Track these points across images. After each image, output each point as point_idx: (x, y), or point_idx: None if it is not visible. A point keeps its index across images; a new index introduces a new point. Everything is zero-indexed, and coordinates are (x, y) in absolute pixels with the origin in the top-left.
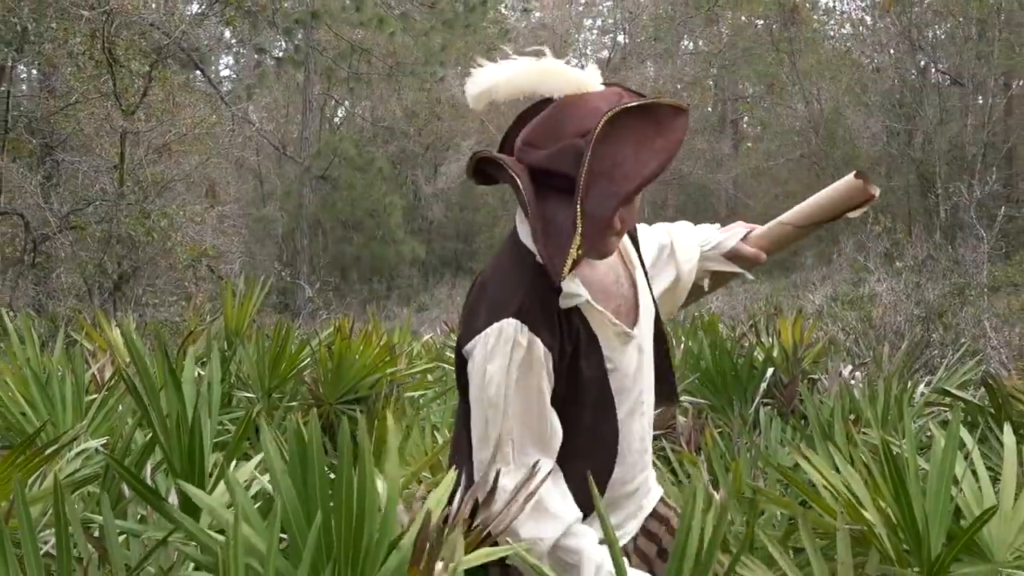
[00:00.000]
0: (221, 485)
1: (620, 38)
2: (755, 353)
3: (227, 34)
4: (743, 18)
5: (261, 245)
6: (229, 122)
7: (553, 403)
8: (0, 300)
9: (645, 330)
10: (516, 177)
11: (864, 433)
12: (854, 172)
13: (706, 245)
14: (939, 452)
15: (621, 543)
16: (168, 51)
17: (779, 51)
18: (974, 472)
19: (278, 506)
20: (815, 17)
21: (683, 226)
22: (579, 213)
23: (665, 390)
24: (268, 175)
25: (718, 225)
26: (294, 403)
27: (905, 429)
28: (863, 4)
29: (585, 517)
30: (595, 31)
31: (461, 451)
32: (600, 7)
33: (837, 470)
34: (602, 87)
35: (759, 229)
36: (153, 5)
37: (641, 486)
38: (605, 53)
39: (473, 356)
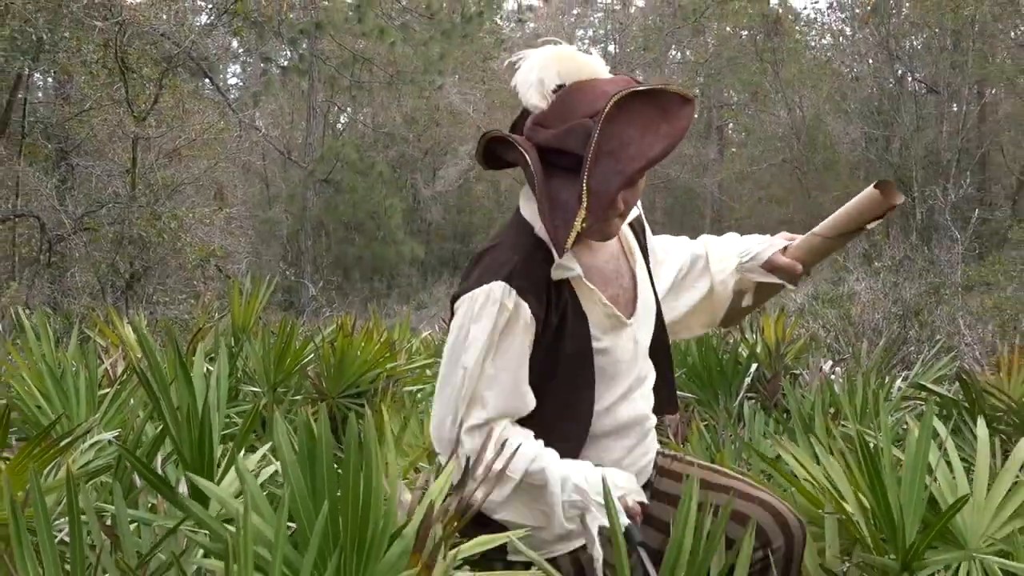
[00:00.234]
0: (229, 475)
1: (611, 48)
2: (739, 349)
3: (235, 44)
4: (728, 29)
5: (267, 246)
6: (236, 128)
7: (530, 374)
8: (17, 298)
9: (643, 322)
10: (525, 153)
11: (843, 426)
12: (875, 183)
13: (744, 256)
14: (914, 444)
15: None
16: (178, 60)
17: (763, 61)
18: (948, 463)
19: (286, 495)
20: (797, 28)
21: (726, 238)
22: (584, 189)
23: (664, 398)
24: (274, 179)
25: (766, 237)
26: (298, 397)
27: (882, 422)
28: (843, 16)
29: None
30: (587, 41)
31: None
32: (591, 19)
33: (817, 461)
34: (610, 75)
35: (797, 240)
36: (164, 16)
37: (638, 470)
38: None
39: (458, 313)
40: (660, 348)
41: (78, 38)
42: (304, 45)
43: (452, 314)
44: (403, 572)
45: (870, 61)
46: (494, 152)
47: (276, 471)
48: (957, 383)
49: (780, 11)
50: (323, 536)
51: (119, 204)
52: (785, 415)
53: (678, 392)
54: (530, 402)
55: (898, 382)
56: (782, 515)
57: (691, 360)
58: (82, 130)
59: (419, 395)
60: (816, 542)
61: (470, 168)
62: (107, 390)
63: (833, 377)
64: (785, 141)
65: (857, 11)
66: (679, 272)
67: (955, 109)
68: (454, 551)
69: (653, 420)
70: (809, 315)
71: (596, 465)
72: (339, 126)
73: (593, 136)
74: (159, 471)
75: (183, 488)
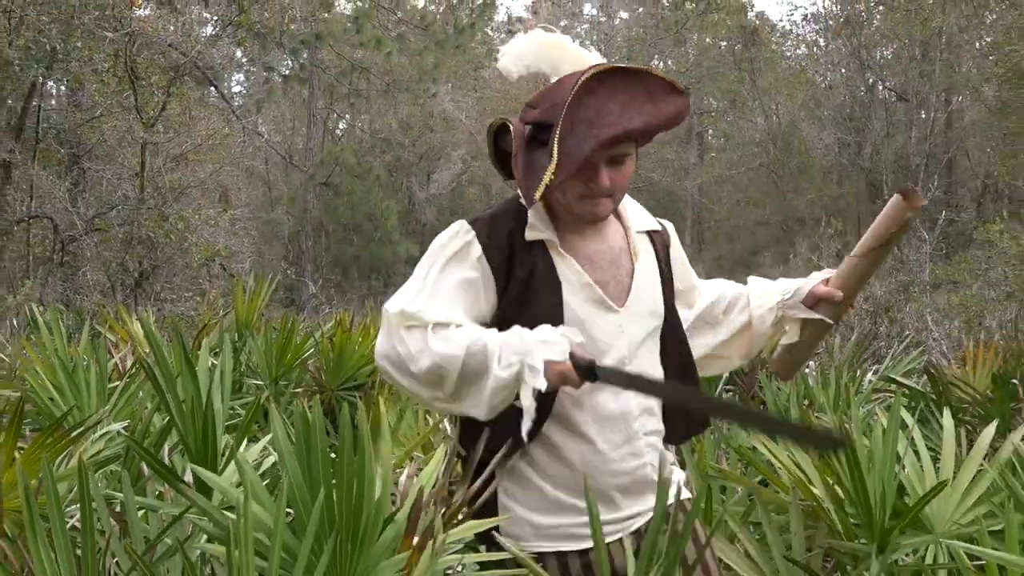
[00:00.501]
0: (232, 463)
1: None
2: None
3: (239, 54)
4: (708, 40)
5: (269, 246)
6: (240, 134)
7: (503, 325)
8: (31, 296)
9: (635, 317)
10: (512, 127)
11: (817, 417)
12: (897, 188)
13: (786, 294)
14: (884, 434)
15: (608, 538)
16: (185, 69)
17: (741, 70)
18: (916, 452)
19: (284, 484)
20: (773, 39)
21: (778, 282)
22: (556, 147)
23: (679, 423)
24: (276, 182)
25: (814, 273)
26: (299, 389)
27: (854, 414)
28: (817, 27)
29: (516, 449)
30: None
31: (468, 434)
32: (578, 30)
33: (791, 451)
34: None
35: (836, 270)
36: (171, 27)
37: (631, 478)
38: None
39: None
40: (680, 363)
41: (90, 48)
42: (305, 55)
43: None
44: (395, 555)
45: (843, 70)
46: (503, 149)
47: (276, 461)
48: (925, 376)
49: (757, 23)
50: (319, 522)
51: (128, 206)
52: (762, 406)
53: None
54: (459, 323)
55: (869, 375)
56: None
57: None
58: (93, 135)
59: None
60: (782, 532)
61: (463, 172)
62: (117, 383)
63: (807, 371)
64: (762, 146)
65: (830, 23)
66: (715, 305)
67: (923, 116)
68: (443, 535)
69: (651, 425)
70: None
71: (579, 459)
72: (338, 132)
73: (566, 101)
74: (166, 461)
75: (189, 477)
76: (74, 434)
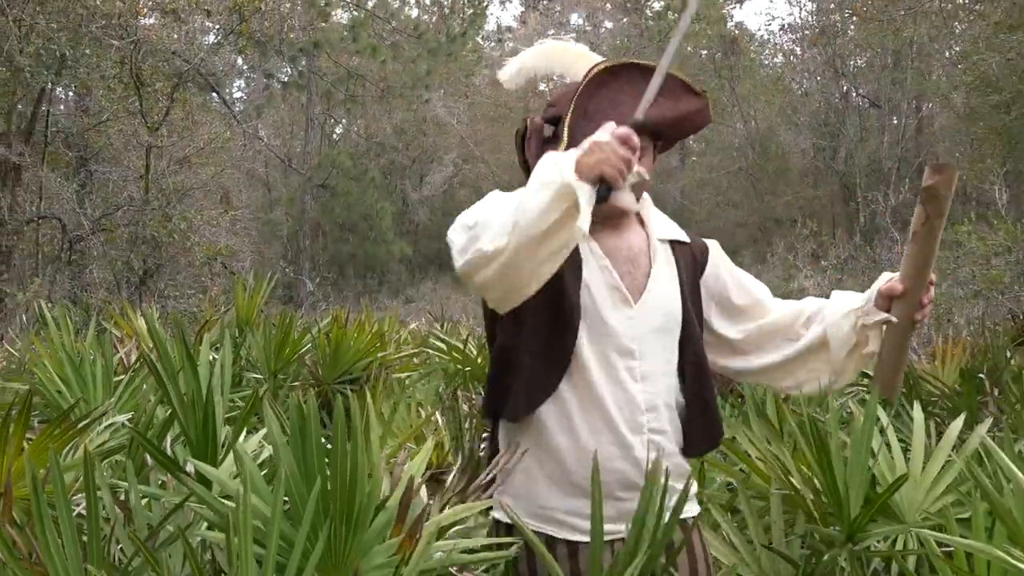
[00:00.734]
0: (231, 454)
1: None
2: None
3: (240, 61)
4: (689, 48)
5: (268, 245)
6: (241, 138)
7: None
8: (40, 293)
9: (646, 313)
10: (529, 123)
11: (793, 410)
12: (928, 166)
13: (864, 302)
14: (858, 427)
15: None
16: (188, 75)
17: (720, 77)
18: (888, 444)
19: (281, 474)
20: (752, 48)
21: (851, 295)
22: (564, 132)
23: (699, 437)
24: (275, 184)
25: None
26: (296, 383)
27: (829, 407)
28: (794, 37)
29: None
30: None
31: (491, 402)
32: (564, 38)
33: (769, 442)
34: None
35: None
36: (175, 36)
37: (631, 474)
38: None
39: None
40: (695, 372)
41: (97, 55)
42: (303, 62)
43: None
44: (387, 541)
45: (818, 78)
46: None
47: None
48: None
49: (736, 33)
50: (314, 510)
51: (133, 207)
52: (740, 400)
53: None
54: None
55: None
56: None
57: None
58: (100, 139)
59: (407, 381)
60: (762, 518)
61: (454, 174)
62: (121, 377)
63: None
64: (741, 151)
65: (806, 33)
66: (796, 319)
67: (895, 122)
68: (435, 520)
69: (656, 424)
70: None
71: (567, 444)
72: (335, 136)
73: (577, 91)
74: (168, 451)
75: (190, 467)
76: (80, 425)
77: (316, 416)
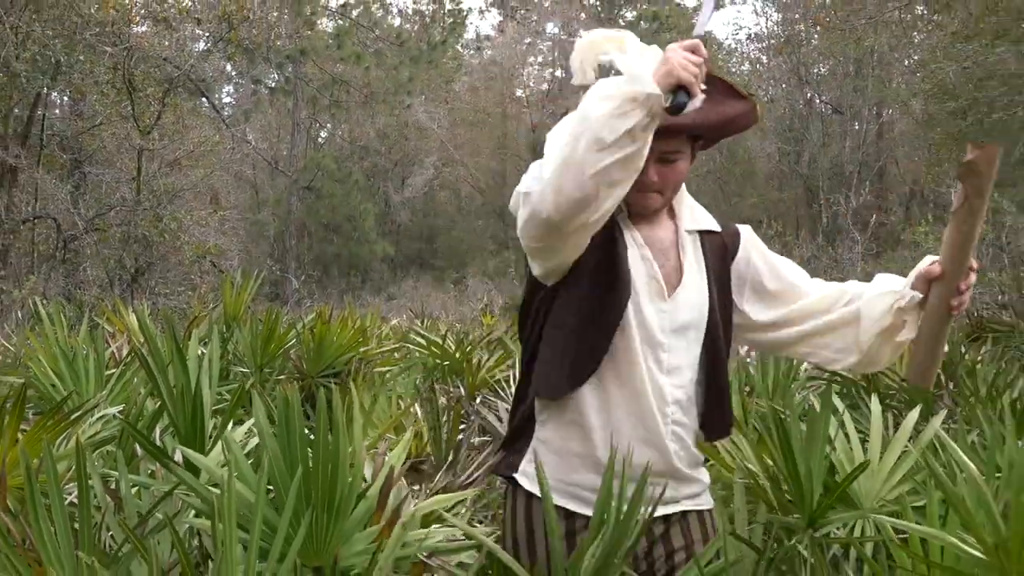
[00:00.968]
0: (219, 445)
1: (558, 73)
2: None
3: (228, 67)
4: None
5: (256, 244)
6: (230, 141)
7: (570, 274)
8: (35, 290)
9: (677, 308)
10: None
11: (757, 402)
12: (969, 143)
13: (899, 284)
14: (817, 418)
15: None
16: (179, 81)
17: None
18: (846, 435)
19: (265, 462)
20: (719, 56)
21: (889, 279)
22: None
23: (717, 425)
24: (262, 186)
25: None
26: (282, 377)
27: (790, 399)
28: (760, 46)
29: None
30: (536, 66)
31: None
32: (540, 47)
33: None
34: None
35: None
36: (166, 43)
37: (655, 463)
38: (545, 85)
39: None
40: (713, 361)
41: (91, 61)
42: (289, 69)
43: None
44: (367, 529)
45: (783, 85)
46: None
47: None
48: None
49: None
50: (297, 497)
51: (126, 207)
52: None
53: None
54: None
55: (805, 364)
56: None
57: None
58: (93, 142)
59: (388, 375)
60: (726, 507)
61: (435, 177)
62: (113, 370)
63: (749, 360)
64: (708, 154)
65: (772, 42)
66: (838, 300)
67: (856, 127)
68: (413, 509)
69: (678, 416)
70: None
71: (600, 423)
72: (320, 140)
73: None
74: (157, 442)
75: (179, 457)
76: (73, 417)
77: (299, 408)
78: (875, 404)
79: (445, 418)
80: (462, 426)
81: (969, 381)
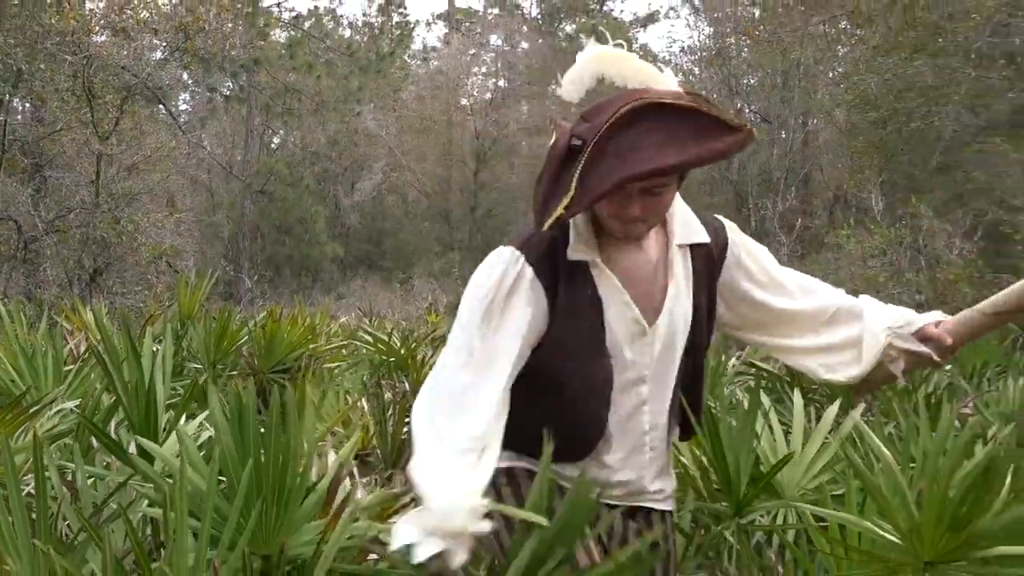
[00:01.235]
0: (172, 438)
1: (501, 82)
2: None
3: (185, 76)
4: None
5: (210, 245)
6: (186, 147)
7: (549, 345)
8: None
9: (661, 336)
10: (558, 138)
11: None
12: None
13: (899, 322)
14: (744, 412)
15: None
16: (136, 89)
17: None
18: (771, 428)
19: (217, 454)
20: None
21: (887, 307)
22: (576, 178)
23: (689, 428)
24: (217, 189)
25: (927, 314)
26: (234, 372)
27: (719, 394)
28: (693, 58)
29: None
30: (481, 76)
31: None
32: (484, 58)
33: None
34: (676, 87)
35: (954, 317)
36: (125, 52)
37: (633, 481)
38: (488, 95)
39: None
40: (692, 373)
41: (52, 69)
42: (244, 78)
43: None
44: (316, 521)
45: (715, 95)
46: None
47: (212, 435)
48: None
49: (641, 54)
50: (248, 488)
51: (85, 210)
52: None
53: None
54: (511, 360)
55: (733, 360)
56: None
57: None
58: (54, 147)
59: (336, 371)
60: None
61: (383, 181)
62: (71, 367)
63: None
64: None
65: (704, 54)
66: (823, 311)
67: (783, 136)
68: (356, 502)
69: (652, 441)
70: None
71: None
72: (273, 146)
73: (597, 134)
74: (113, 435)
75: (133, 449)
76: (31, 411)
77: (253, 403)
78: (797, 398)
79: (391, 412)
80: (407, 420)
81: None
